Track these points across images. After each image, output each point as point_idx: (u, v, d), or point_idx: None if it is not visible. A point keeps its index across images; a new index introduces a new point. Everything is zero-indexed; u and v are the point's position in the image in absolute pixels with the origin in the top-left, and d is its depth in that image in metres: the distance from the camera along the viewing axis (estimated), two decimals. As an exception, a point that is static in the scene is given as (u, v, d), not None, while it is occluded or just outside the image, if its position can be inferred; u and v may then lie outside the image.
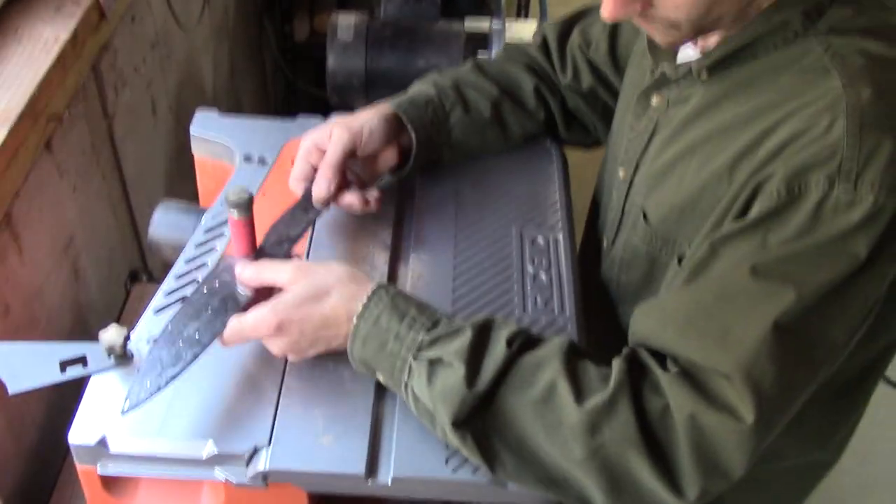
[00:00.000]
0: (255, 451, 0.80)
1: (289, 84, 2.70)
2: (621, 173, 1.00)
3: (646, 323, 0.82)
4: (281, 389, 0.85)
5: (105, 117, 1.30)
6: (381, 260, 1.00)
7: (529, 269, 1.00)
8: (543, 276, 0.99)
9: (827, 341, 0.77)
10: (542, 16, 2.17)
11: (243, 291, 0.87)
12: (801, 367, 0.76)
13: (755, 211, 0.77)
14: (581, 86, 1.15)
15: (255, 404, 0.84)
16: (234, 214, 0.86)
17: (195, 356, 0.82)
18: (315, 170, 0.99)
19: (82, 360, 0.84)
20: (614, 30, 1.11)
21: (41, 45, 1.07)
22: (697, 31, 0.83)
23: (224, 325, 0.84)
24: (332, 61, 1.91)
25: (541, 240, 1.04)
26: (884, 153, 0.73)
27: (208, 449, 0.80)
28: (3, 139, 0.93)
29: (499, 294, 0.96)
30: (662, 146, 0.92)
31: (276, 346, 0.84)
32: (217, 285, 0.88)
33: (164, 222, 1.05)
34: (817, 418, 0.95)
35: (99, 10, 1.18)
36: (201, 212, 1.06)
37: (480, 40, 1.80)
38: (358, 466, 0.80)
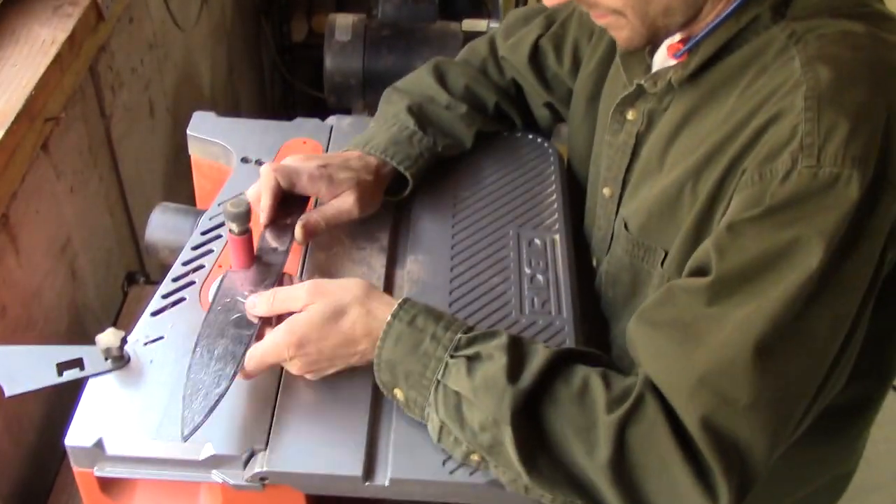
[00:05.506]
0: (253, 453, 0.80)
1: (287, 84, 2.70)
2: (606, 192, 1.00)
3: None
4: (278, 391, 0.85)
5: (102, 118, 1.30)
6: (378, 262, 1.00)
7: (527, 270, 1.00)
8: (541, 278, 0.99)
9: (816, 334, 0.74)
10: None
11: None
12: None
13: (736, 206, 0.76)
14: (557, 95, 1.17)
15: (252, 406, 0.84)
16: (234, 229, 0.87)
17: (235, 370, 0.81)
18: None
19: (79, 363, 0.84)
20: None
21: (38, 46, 1.07)
22: (648, 26, 0.82)
23: (250, 336, 0.83)
24: (329, 61, 1.91)
25: (538, 241, 1.04)
26: (841, 132, 0.72)
27: (206, 451, 0.80)
28: (0, 140, 0.93)
29: (496, 296, 0.96)
30: (647, 161, 0.92)
31: (294, 367, 0.84)
32: (230, 302, 0.87)
33: (161, 224, 1.05)
34: (843, 433, 0.96)
35: (97, 11, 1.18)
36: (198, 214, 1.06)
37: (478, 41, 1.80)
38: (355, 468, 0.80)
